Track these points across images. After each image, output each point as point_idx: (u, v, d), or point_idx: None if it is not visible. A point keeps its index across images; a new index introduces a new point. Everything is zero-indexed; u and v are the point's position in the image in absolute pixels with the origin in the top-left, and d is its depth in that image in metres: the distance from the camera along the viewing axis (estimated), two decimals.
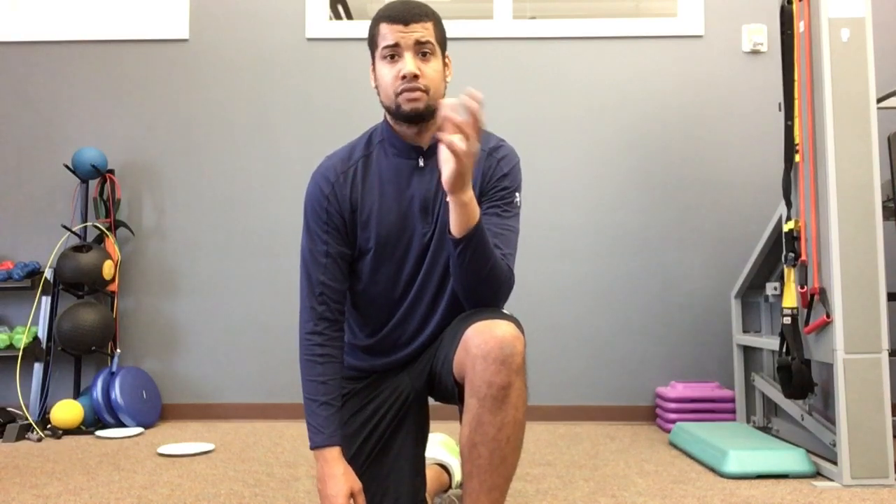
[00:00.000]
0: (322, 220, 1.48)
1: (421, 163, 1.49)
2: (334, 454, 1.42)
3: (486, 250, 1.36)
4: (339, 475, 1.40)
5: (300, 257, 1.52)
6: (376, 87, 1.47)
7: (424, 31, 1.41)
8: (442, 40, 1.47)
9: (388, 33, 1.41)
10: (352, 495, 1.40)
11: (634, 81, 3.30)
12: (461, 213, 1.31)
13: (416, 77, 1.39)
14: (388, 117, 1.50)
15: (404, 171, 1.49)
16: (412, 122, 1.44)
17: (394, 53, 1.41)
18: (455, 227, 1.33)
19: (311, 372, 1.47)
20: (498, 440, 1.31)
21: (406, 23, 1.40)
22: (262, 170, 3.34)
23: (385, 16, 1.42)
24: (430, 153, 1.48)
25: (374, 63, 1.47)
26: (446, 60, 1.49)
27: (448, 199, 1.32)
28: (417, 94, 1.40)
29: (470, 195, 1.31)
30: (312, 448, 1.44)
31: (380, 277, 1.51)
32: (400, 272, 1.51)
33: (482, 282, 1.39)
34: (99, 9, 3.45)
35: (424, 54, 1.42)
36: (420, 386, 1.52)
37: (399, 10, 1.41)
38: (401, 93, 1.40)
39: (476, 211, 1.33)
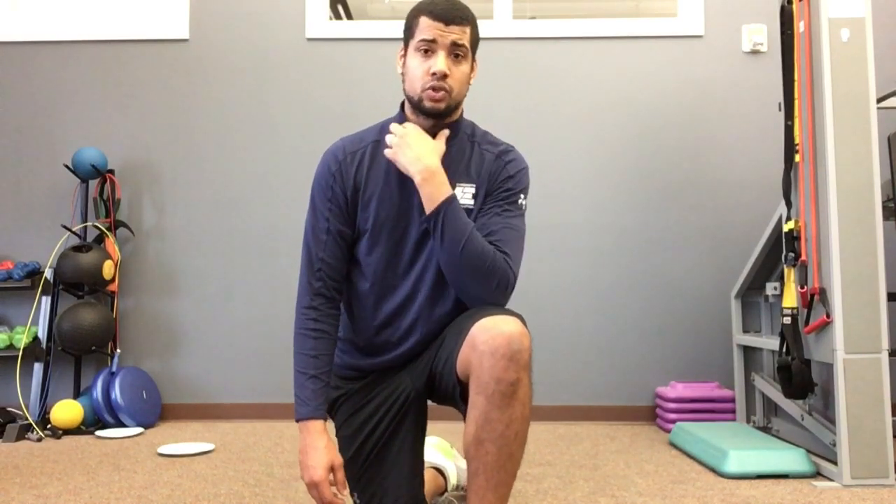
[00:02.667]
0: (327, 197, 1.52)
1: None
2: (318, 427, 1.47)
3: (458, 228, 1.40)
4: (322, 447, 1.43)
5: (303, 235, 1.55)
6: (402, 73, 1.51)
7: (462, 34, 1.45)
8: (475, 43, 1.51)
9: (428, 28, 1.44)
10: (332, 469, 1.42)
11: (634, 81, 3.30)
12: (423, 192, 1.41)
13: (445, 76, 1.44)
14: (407, 106, 1.54)
15: None
16: (430, 116, 1.49)
17: (428, 49, 1.44)
18: (425, 204, 1.42)
19: (303, 346, 1.56)
20: (506, 437, 1.31)
21: (447, 23, 1.43)
22: (262, 169, 3.35)
23: (428, 10, 1.45)
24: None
25: (405, 50, 1.51)
26: (474, 63, 1.53)
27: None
28: (442, 94, 1.45)
29: (426, 176, 1.40)
30: (297, 420, 1.50)
31: (373, 260, 1.52)
32: (396, 259, 1.51)
33: (463, 267, 1.40)
34: (99, 9, 3.45)
35: (457, 56, 1.46)
36: (420, 386, 1.52)
37: (443, 9, 1.44)
38: (428, 89, 1.44)
39: (442, 189, 1.41)
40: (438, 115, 1.48)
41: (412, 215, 1.50)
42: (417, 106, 1.48)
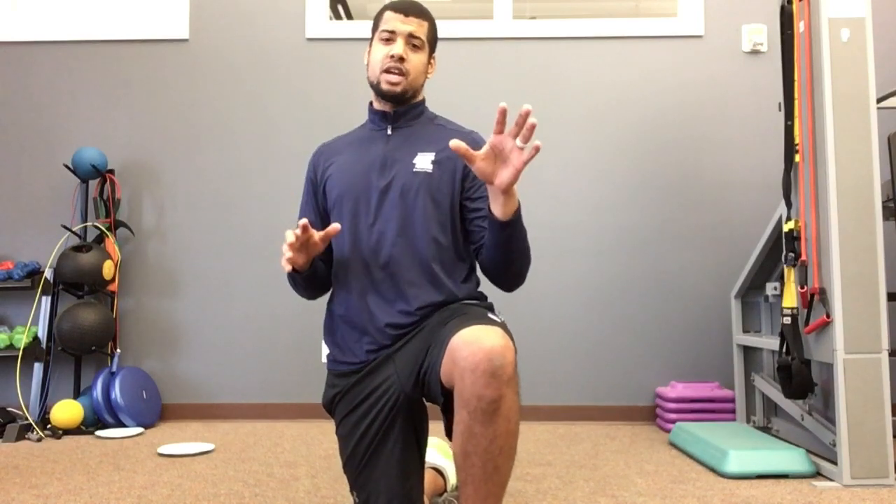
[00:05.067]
0: (305, 190, 1.74)
1: (389, 131, 1.68)
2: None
3: (523, 230, 1.48)
4: None
5: None
6: (367, 64, 1.68)
7: (419, 27, 1.64)
8: (432, 41, 1.69)
9: (389, 20, 1.63)
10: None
11: (634, 81, 3.31)
12: (508, 202, 1.39)
13: (401, 59, 1.61)
14: (372, 96, 1.70)
15: (373, 139, 1.69)
16: (388, 100, 1.65)
17: (389, 38, 1.62)
18: (501, 213, 1.41)
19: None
20: (490, 451, 1.30)
21: (406, 14, 1.62)
22: (261, 169, 3.35)
23: (391, 5, 1.65)
24: (399, 122, 1.68)
25: (371, 44, 1.69)
26: (432, 60, 1.71)
27: (493, 191, 1.39)
28: (398, 77, 1.61)
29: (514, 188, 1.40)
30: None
31: (343, 221, 1.62)
32: (358, 220, 1.61)
33: (519, 256, 1.51)
34: (99, 9, 3.45)
35: (414, 46, 1.63)
36: (409, 389, 1.51)
37: (403, 4, 1.64)
38: (386, 70, 1.61)
39: (517, 198, 1.42)
40: (395, 97, 1.63)
41: (371, 178, 1.62)
42: (377, 90, 1.64)
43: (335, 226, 1.47)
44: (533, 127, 1.26)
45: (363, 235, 1.59)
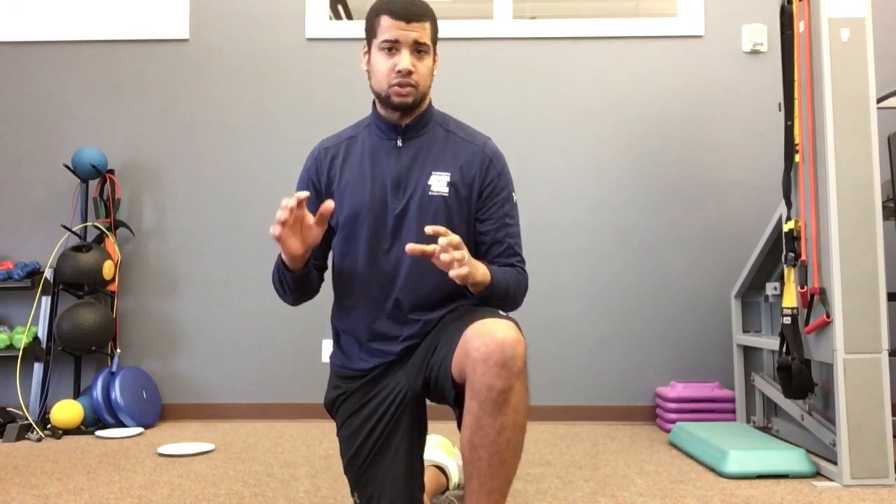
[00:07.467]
0: (305, 188, 1.65)
1: (399, 143, 1.59)
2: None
3: (499, 292, 1.48)
4: None
5: None
6: (368, 70, 1.57)
7: (422, 31, 1.51)
8: (435, 39, 1.57)
9: (389, 28, 1.49)
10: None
11: (634, 81, 3.30)
12: (472, 285, 1.43)
13: (410, 73, 1.49)
14: (377, 102, 1.59)
15: (383, 150, 1.59)
16: (398, 110, 1.55)
17: (392, 48, 1.50)
18: (472, 290, 1.45)
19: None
20: (498, 443, 1.31)
21: (408, 20, 1.48)
22: (262, 169, 3.34)
23: (388, 9, 1.50)
24: (409, 133, 1.59)
25: (369, 49, 1.56)
26: (436, 56, 1.59)
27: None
28: (408, 89, 1.51)
29: (479, 276, 1.40)
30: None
31: (352, 249, 1.57)
32: (375, 244, 1.56)
33: (501, 306, 1.51)
34: (99, 9, 3.45)
35: (420, 52, 1.51)
36: (417, 387, 1.52)
37: (403, 7, 1.49)
38: (394, 85, 1.50)
39: (486, 276, 1.43)
40: (406, 108, 1.54)
41: (385, 200, 1.55)
42: (386, 101, 1.54)
43: (329, 204, 1.38)
44: (450, 258, 1.30)
45: (380, 260, 1.56)
